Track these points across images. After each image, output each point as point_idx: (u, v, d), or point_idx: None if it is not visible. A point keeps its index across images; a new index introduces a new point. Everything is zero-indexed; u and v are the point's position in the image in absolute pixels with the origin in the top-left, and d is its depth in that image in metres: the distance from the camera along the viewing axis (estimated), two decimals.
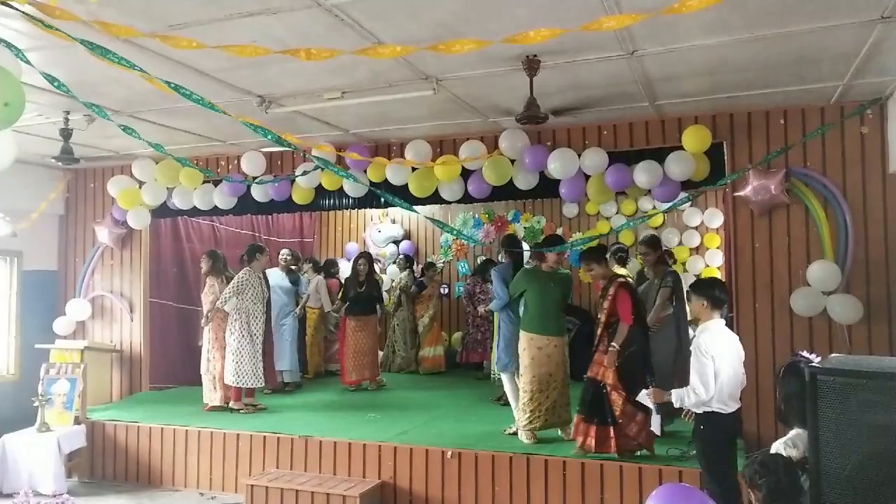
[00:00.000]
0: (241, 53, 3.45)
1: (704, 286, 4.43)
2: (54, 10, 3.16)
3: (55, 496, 6.12)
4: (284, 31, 3.89)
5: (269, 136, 3.85)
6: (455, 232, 5.43)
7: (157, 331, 8.32)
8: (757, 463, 2.83)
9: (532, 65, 4.45)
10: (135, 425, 6.85)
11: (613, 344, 5.13)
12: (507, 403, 6.56)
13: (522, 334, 5.85)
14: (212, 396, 7.40)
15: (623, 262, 7.47)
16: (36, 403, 6.60)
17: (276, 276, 8.49)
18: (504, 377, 6.36)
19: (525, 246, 8.82)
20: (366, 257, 8.75)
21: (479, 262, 9.75)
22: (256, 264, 7.43)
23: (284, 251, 9.00)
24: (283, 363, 8.43)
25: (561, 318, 5.95)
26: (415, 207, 5.86)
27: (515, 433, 5.94)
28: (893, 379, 2.32)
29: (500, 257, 7.49)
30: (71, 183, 8.39)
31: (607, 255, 7.21)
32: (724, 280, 6.16)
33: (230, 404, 7.31)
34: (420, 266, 10.80)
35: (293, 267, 9.08)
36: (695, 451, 4.53)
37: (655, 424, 4.62)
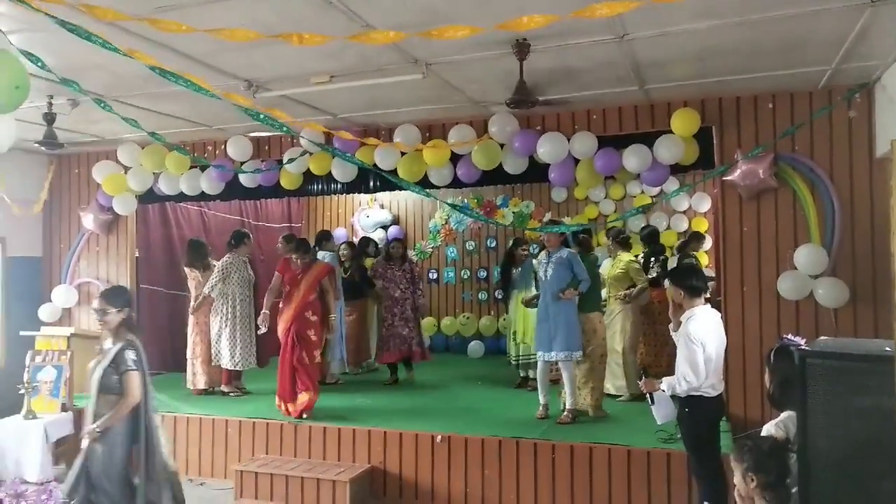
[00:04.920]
0: (232, 38, 3.38)
1: (681, 276, 4.44)
2: None
3: (42, 483, 6.03)
4: (272, 14, 3.83)
5: (263, 119, 3.80)
6: (470, 211, 5.22)
7: (146, 317, 8.26)
8: (747, 446, 2.86)
9: (522, 49, 4.42)
10: None
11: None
12: (535, 389, 6.49)
13: (594, 315, 6.26)
14: (197, 380, 7.53)
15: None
16: (22, 391, 6.55)
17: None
18: (568, 365, 6.00)
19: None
20: (350, 244, 8.74)
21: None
22: (243, 249, 7.50)
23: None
24: (335, 354, 8.07)
25: None
26: (411, 186, 5.78)
27: (573, 419, 5.96)
28: (882, 362, 2.34)
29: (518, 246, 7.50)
30: (55, 168, 8.28)
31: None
32: (710, 264, 6.15)
33: (222, 387, 7.44)
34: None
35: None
36: (681, 435, 4.56)
37: (660, 414, 4.39)
